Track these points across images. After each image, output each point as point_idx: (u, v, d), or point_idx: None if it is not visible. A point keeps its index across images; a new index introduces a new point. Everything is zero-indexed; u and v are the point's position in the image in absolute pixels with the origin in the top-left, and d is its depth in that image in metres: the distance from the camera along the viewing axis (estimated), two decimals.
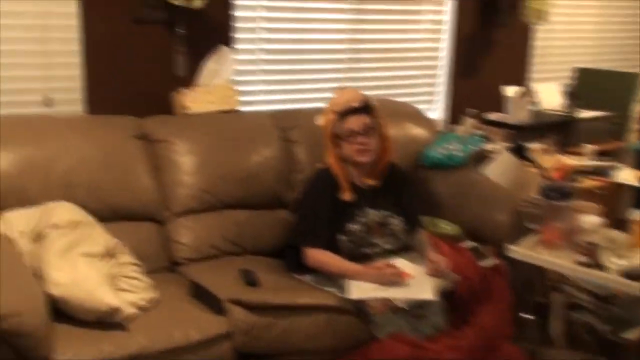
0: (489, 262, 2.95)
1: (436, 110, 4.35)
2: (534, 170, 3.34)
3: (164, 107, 3.22)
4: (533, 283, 3.08)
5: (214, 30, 3.32)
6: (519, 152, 2.81)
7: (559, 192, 2.59)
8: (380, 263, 2.73)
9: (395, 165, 3.05)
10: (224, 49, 3.30)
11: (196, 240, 2.94)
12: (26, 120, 2.83)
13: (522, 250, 2.58)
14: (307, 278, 2.84)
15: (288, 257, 2.92)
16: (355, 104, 2.85)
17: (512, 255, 2.62)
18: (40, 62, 2.97)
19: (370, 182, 2.93)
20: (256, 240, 3.08)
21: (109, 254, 2.50)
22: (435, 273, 2.75)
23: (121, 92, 3.17)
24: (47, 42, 2.97)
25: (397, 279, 2.68)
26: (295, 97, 3.75)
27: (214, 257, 2.95)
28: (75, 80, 3.07)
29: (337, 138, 2.87)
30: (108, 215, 2.78)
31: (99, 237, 2.52)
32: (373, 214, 2.90)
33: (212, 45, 3.30)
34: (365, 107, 2.87)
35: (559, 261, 2.49)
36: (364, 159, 2.85)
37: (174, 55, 3.13)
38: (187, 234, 2.94)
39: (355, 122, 2.83)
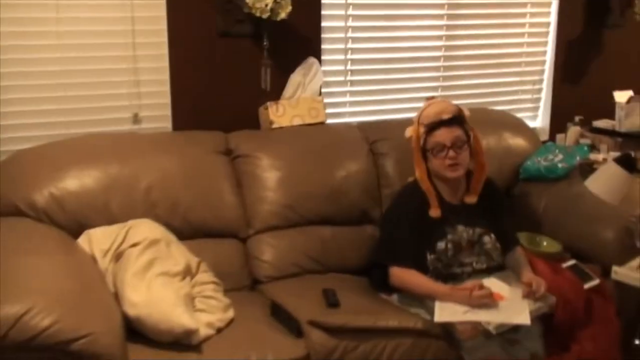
0: (593, 283, 2.72)
1: (539, 118, 4.10)
2: None
3: (251, 121, 3.18)
4: None
5: (300, 42, 3.26)
6: (629, 162, 2.55)
7: None
8: (470, 283, 2.55)
9: (489, 179, 2.86)
10: (311, 60, 3.23)
11: (278, 258, 2.87)
12: (111, 138, 2.87)
13: (629, 273, 2.33)
14: (394, 298, 2.72)
15: (374, 276, 2.81)
16: (446, 116, 2.69)
17: (616, 277, 2.38)
18: (129, 80, 3.01)
19: (468, 199, 2.77)
20: (341, 258, 2.97)
21: (189, 273, 2.48)
22: (531, 295, 2.55)
23: (207, 107, 3.16)
24: (136, 60, 3.00)
25: (488, 301, 2.50)
26: (386, 107, 3.63)
27: (296, 275, 2.87)
28: (163, 97, 3.09)
29: (426, 152, 2.73)
30: (189, 232, 2.77)
31: (179, 255, 2.50)
32: (464, 232, 2.74)
33: (299, 57, 3.24)
34: (457, 119, 2.71)
35: None
36: (454, 174, 2.70)
37: (260, 68, 3.08)
38: (269, 252, 2.88)
39: (445, 136, 2.68)
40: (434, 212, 2.71)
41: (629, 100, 3.70)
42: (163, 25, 3.01)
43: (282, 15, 2.99)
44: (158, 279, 2.31)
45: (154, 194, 2.72)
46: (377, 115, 3.57)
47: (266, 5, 2.89)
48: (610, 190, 2.56)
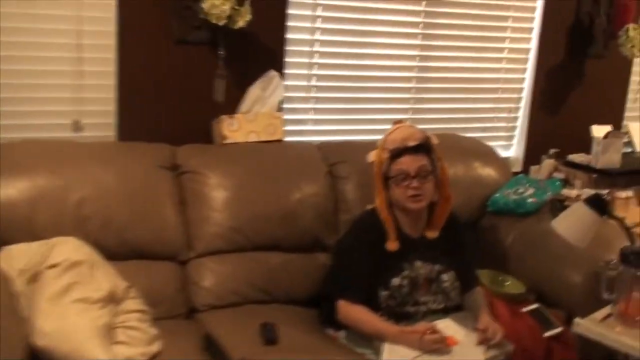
0: (554, 331, 2.53)
1: (513, 147, 3.92)
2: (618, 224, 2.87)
3: (204, 135, 2.98)
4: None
5: (262, 53, 3.05)
6: (599, 204, 2.36)
7: None
8: (422, 326, 2.35)
9: (452, 213, 2.67)
10: (272, 74, 3.03)
11: (219, 285, 2.65)
12: (45, 145, 2.64)
13: (591, 326, 2.14)
14: (341, 335, 2.52)
15: (323, 309, 2.61)
16: (412, 143, 2.49)
17: (577, 330, 2.18)
18: (72, 84, 2.79)
19: (429, 233, 2.58)
20: (289, 288, 2.76)
21: (112, 300, 2.25)
22: (485, 342, 2.35)
23: (157, 117, 2.95)
24: (81, 63, 2.78)
25: (439, 347, 2.30)
26: (352, 127, 3.43)
27: (238, 304, 2.65)
28: (108, 104, 2.87)
29: (388, 179, 2.53)
30: (123, 252, 2.55)
31: (103, 279, 2.27)
32: (422, 268, 2.55)
33: (260, 69, 3.04)
34: (423, 147, 2.51)
35: (636, 344, 2.04)
36: (415, 205, 2.50)
37: (215, 79, 2.87)
38: (210, 278, 2.66)
39: (409, 164, 2.48)
40: (391, 245, 2.51)
41: (607, 136, 3.53)
42: (112, 27, 2.79)
43: (240, 23, 2.78)
44: (74, 306, 2.09)
45: (85, 209, 2.49)
46: (342, 135, 3.37)
47: (222, 12, 2.68)
48: (578, 233, 2.37)
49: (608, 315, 2.19)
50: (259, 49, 3.04)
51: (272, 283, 2.73)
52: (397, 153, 2.50)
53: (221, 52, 2.85)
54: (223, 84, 2.85)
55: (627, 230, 2.29)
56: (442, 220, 2.60)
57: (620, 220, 2.34)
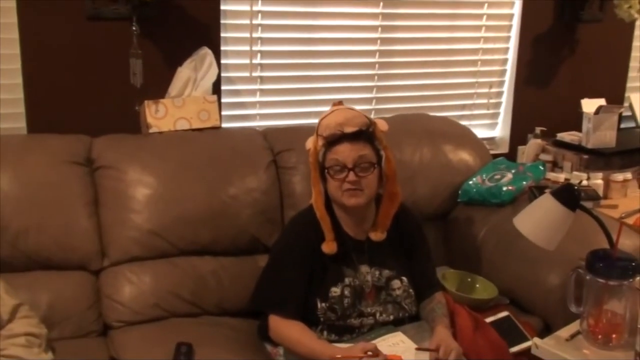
0: (522, 345, 2.15)
1: (498, 127, 3.50)
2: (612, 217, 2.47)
3: (130, 125, 2.61)
4: None
5: (193, 28, 2.68)
6: (570, 197, 1.95)
7: (619, 264, 1.74)
8: (360, 346, 1.98)
9: (403, 208, 2.29)
10: (203, 51, 2.65)
11: (137, 298, 2.30)
12: None
13: (551, 348, 1.75)
14: (280, 351, 2.17)
15: (261, 322, 2.24)
16: (349, 129, 2.11)
17: (536, 353, 1.80)
18: None
19: (373, 236, 2.21)
20: (222, 297, 2.41)
21: None
22: None
23: (72, 106, 2.60)
24: None
25: None
26: (307, 109, 3.03)
27: (161, 319, 2.30)
28: (16, 91, 2.52)
29: (324, 170, 2.16)
30: (22, 263, 2.24)
31: None
32: (368, 274, 2.19)
33: (193, 46, 2.66)
34: (364, 134, 2.13)
35: None
36: (351, 201, 2.12)
37: (131, 60, 2.50)
38: (125, 289, 2.31)
39: (346, 153, 2.10)
40: (327, 246, 2.15)
41: (598, 111, 3.09)
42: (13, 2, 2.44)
43: None
44: None
45: None
46: (294, 119, 2.99)
47: None
48: (545, 233, 1.97)
49: (577, 332, 1.80)
50: (189, 23, 2.67)
51: (201, 293, 2.38)
52: (333, 140, 2.12)
53: (135, 28, 2.48)
54: (139, 64, 2.48)
55: (604, 228, 1.89)
56: (387, 220, 2.22)
57: (596, 217, 1.94)
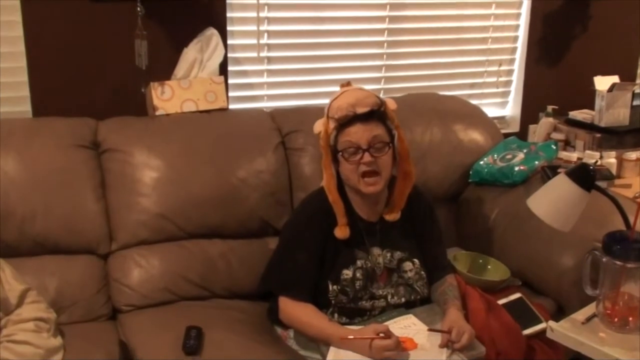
0: (536, 328, 2.13)
1: (509, 105, 3.45)
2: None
3: (137, 107, 2.58)
4: None
5: (199, 8, 2.64)
6: (585, 177, 1.90)
7: (637, 246, 1.70)
8: (371, 328, 1.96)
9: (416, 190, 2.25)
10: (210, 32, 2.61)
11: (146, 281, 2.29)
12: None
13: (567, 331, 1.72)
14: (289, 334, 2.16)
15: (271, 304, 2.22)
16: (361, 109, 2.07)
17: (551, 337, 1.77)
18: None
19: (388, 216, 2.18)
20: (232, 280, 2.40)
21: (4, 309, 1.90)
22: (449, 345, 1.96)
23: (78, 89, 2.57)
24: None
25: (392, 354, 1.91)
26: (314, 90, 2.99)
27: (169, 302, 2.29)
28: (20, 74, 2.49)
29: (337, 153, 2.12)
30: (29, 248, 2.23)
31: None
32: (380, 256, 2.17)
33: (197, 27, 2.62)
34: (376, 114, 2.09)
35: (620, 355, 1.61)
36: (369, 189, 2.08)
37: (136, 41, 2.46)
38: (134, 273, 2.30)
39: (360, 134, 2.06)
40: (340, 231, 2.12)
41: (612, 88, 3.04)
42: None
43: None
44: None
45: None
46: (302, 100, 2.94)
47: None
48: (560, 214, 1.93)
49: (593, 315, 1.77)
50: (195, 3, 2.63)
51: (211, 276, 2.37)
52: (345, 122, 2.08)
53: (140, 9, 2.43)
54: (145, 45, 2.44)
55: (621, 209, 1.85)
56: (403, 199, 2.19)
57: (612, 198, 1.90)
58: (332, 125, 2.12)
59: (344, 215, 2.13)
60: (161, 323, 2.16)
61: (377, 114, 2.10)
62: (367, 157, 2.05)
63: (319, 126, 2.19)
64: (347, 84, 2.24)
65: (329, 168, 2.16)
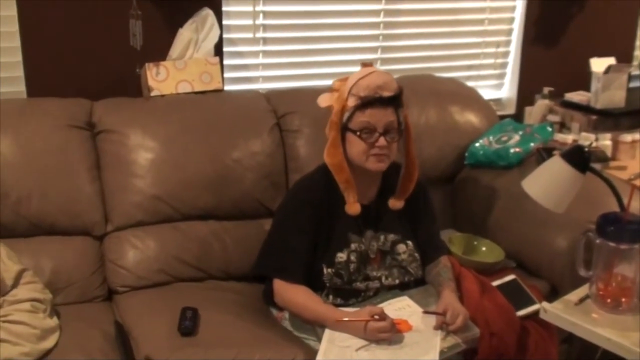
0: (530, 309, 2.14)
1: (505, 87, 3.45)
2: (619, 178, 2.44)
3: (132, 88, 2.57)
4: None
5: None
6: (580, 159, 1.91)
7: (630, 227, 1.71)
8: (366, 310, 1.96)
9: None
10: (205, 12, 2.59)
11: (141, 263, 2.30)
12: None
13: (560, 313, 1.73)
14: (285, 316, 2.16)
15: (266, 286, 2.23)
16: (387, 93, 2.05)
17: (545, 317, 1.78)
18: None
19: (393, 204, 2.18)
20: (227, 261, 2.40)
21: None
22: (443, 326, 1.97)
23: (72, 69, 2.56)
24: None
25: (386, 336, 1.92)
26: (309, 71, 2.98)
27: (165, 284, 2.30)
28: (14, 54, 2.48)
29: (346, 132, 2.11)
30: (24, 228, 2.24)
31: None
32: (374, 239, 2.17)
33: (193, 7, 2.60)
34: (396, 100, 2.08)
35: (612, 336, 1.63)
36: (377, 166, 2.08)
37: (131, 21, 2.45)
38: (130, 254, 2.30)
39: (378, 117, 2.04)
40: (353, 208, 2.11)
41: (608, 70, 3.03)
42: None
43: None
44: None
45: None
46: (297, 81, 2.94)
47: None
48: (554, 195, 1.94)
49: (586, 296, 1.78)
50: None
51: (206, 257, 2.37)
52: (368, 102, 2.06)
53: None
54: (139, 25, 2.43)
55: (615, 191, 1.86)
56: (411, 187, 2.19)
57: (607, 180, 1.90)
58: (351, 102, 2.08)
59: (356, 192, 2.12)
60: (157, 304, 2.17)
61: (396, 100, 2.09)
62: (382, 141, 2.04)
63: (327, 100, 2.16)
64: (368, 64, 2.20)
65: (338, 147, 2.11)
